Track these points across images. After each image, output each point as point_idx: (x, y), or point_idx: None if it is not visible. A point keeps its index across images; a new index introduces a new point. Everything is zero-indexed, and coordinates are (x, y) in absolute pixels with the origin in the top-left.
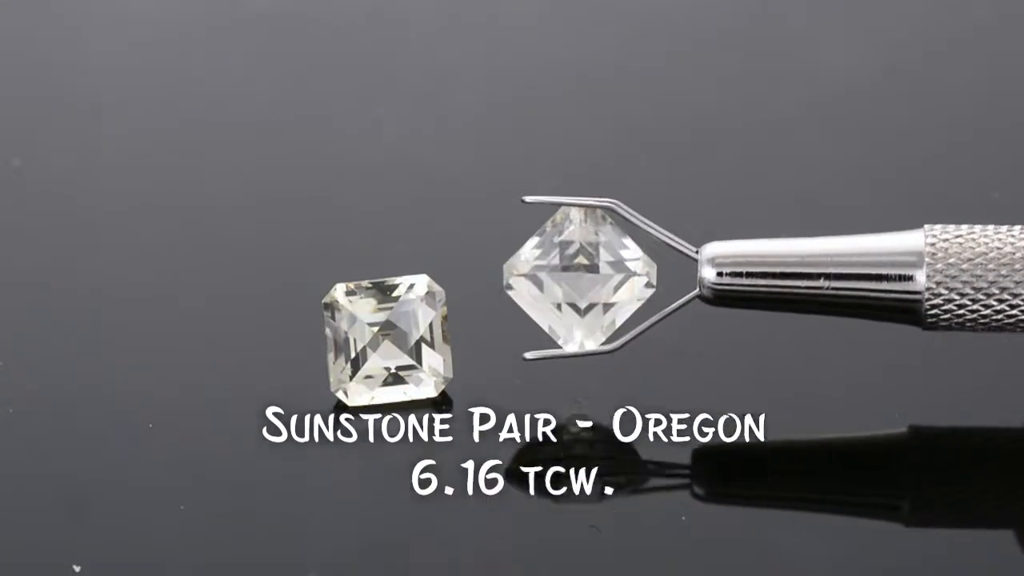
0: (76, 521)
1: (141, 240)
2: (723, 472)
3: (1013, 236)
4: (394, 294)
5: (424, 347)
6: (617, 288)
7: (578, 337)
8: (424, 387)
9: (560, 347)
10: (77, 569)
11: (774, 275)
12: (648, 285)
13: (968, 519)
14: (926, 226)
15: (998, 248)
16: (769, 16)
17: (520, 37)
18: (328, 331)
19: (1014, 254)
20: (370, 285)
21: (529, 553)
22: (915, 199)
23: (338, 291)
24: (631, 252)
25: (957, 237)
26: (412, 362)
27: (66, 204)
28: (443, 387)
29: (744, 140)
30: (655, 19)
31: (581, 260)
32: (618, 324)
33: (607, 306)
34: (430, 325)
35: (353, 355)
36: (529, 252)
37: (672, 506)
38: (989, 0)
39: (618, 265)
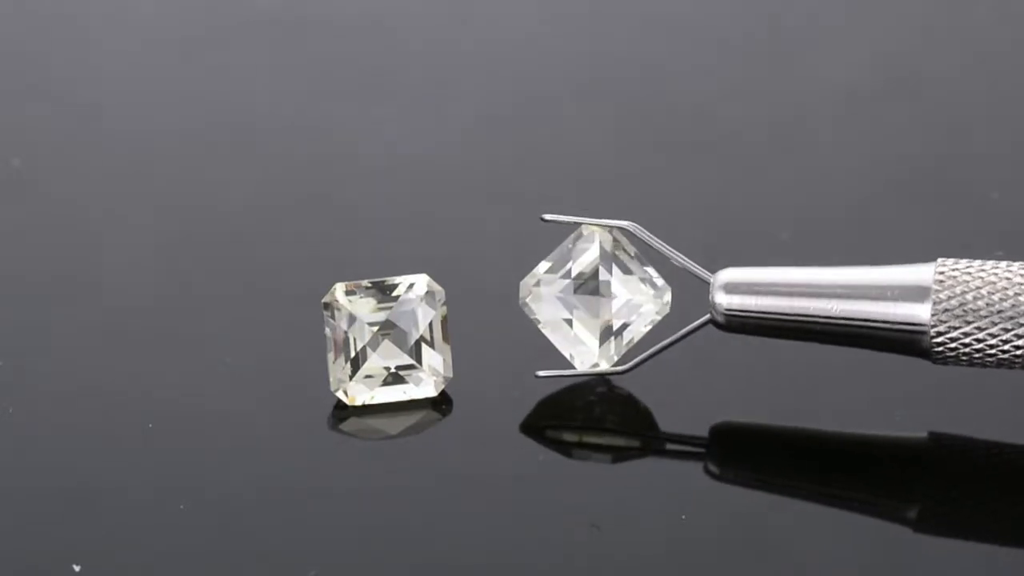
0: (76, 521)
1: (141, 240)
2: (739, 453)
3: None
4: (394, 294)
5: (424, 347)
6: (632, 310)
7: (592, 357)
8: (424, 387)
9: (572, 366)
10: (77, 569)
11: (785, 304)
12: (663, 308)
13: (977, 532)
14: (939, 259)
15: (1006, 284)
16: (789, 28)
17: (523, 38)
18: (328, 331)
19: (1020, 294)
20: (370, 285)
21: (528, 543)
22: (930, 221)
23: (338, 291)
24: (647, 274)
25: (967, 272)
26: (412, 362)
27: (66, 204)
28: (443, 387)
29: (771, 160)
30: (666, 23)
31: (597, 280)
32: (631, 345)
33: (622, 327)
34: (430, 325)
35: (353, 355)
36: (545, 270)
37: (682, 481)
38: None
39: (633, 287)
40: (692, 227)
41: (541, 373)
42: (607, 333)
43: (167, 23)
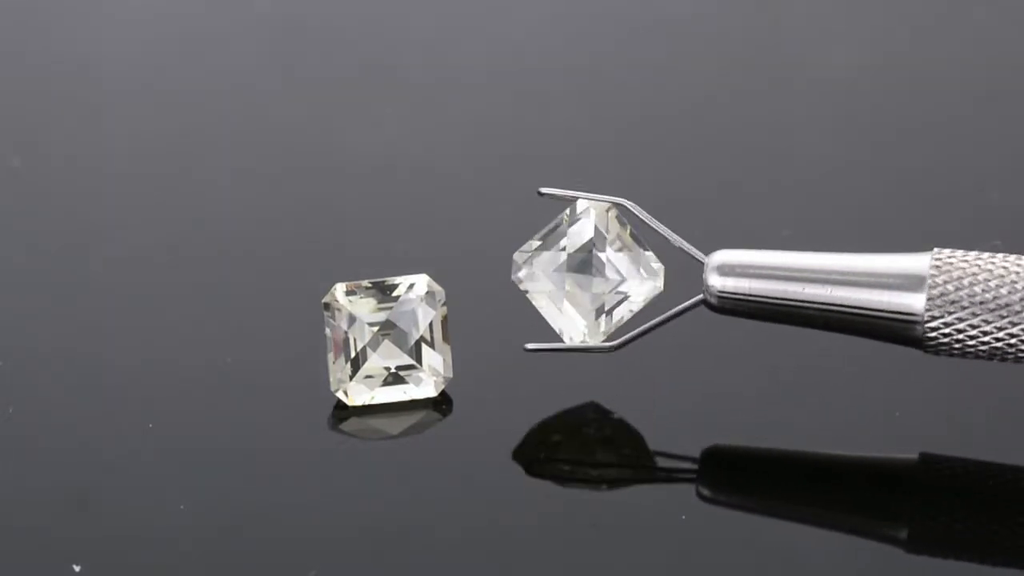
0: (76, 521)
1: (141, 240)
2: (730, 475)
3: (1020, 264)
4: (394, 294)
5: (424, 347)
6: (624, 287)
7: (581, 332)
8: (424, 387)
9: (562, 340)
10: (77, 569)
11: (778, 288)
12: (656, 286)
13: (969, 552)
14: (935, 249)
15: (1001, 276)
16: (793, 19)
17: (524, 36)
18: (328, 331)
19: (1016, 283)
20: (370, 285)
21: (528, 543)
22: (930, 210)
23: (338, 291)
24: (641, 252)
25: (963, 262)
26: (412, 362)
27: (66, 204)
28: (443, 387)
29: (770, 145)
30: (663, 18)
31: (591, 256)
32: (623, 322)
33: (613, 304)
34: (430, 325)
35: (353, 355)
36: (539, 244)
37: (673, 503)
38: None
39: (627, 264)
40: (690, 222)
41: (530, 346)
42: (598, 309)
43: (167, 23)
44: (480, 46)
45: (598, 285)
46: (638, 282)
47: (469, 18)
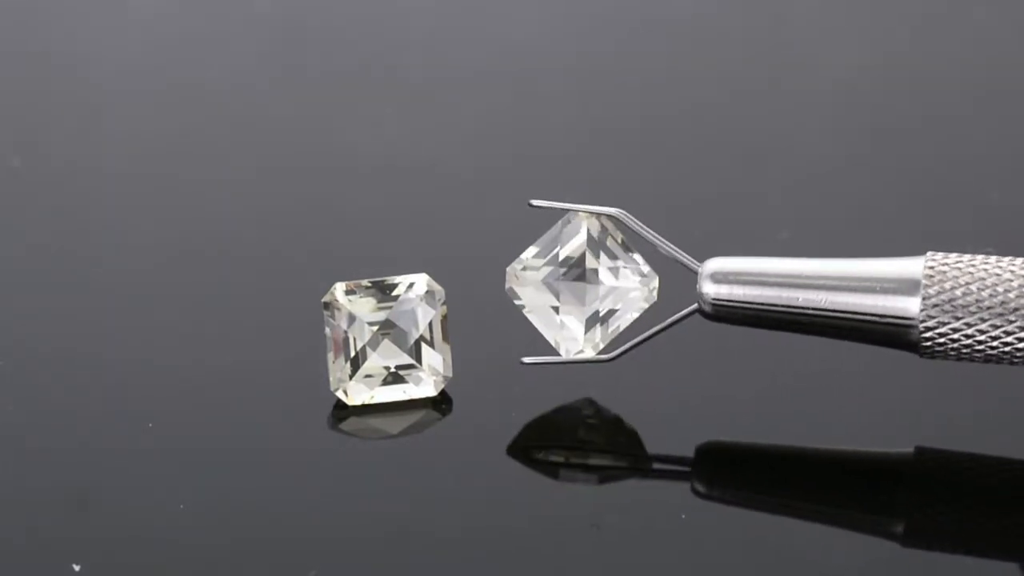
0: (76, 521)
1: (141, 240)
2: (725, 472)
3: (1014, 267)
4: (394, 293)
5: (424, 346)
6: (619, 298)
7: (577, 344)
8: (424, 386)
9: (558, 353)
10: (77, 568)
11: (772, 294)
12: (650, 296)
13: (965, 546)
14: (929, 253)
15: (996, 279)
16: (791, 21)
17: (523, 37)
18: (328, 331)
19: (1011, 282)
20: (370, 284)
21: (527, 542)
22: (926, 214)
23: (338, 290)
24: (634, 262)
25: (957, 265)
26: (412, 361)
27: (66, 204)
28: (443, 386)
29: (761, 151)
30: (663, 19)
31: (584, 267)
32: (618, 333)
33: (608, 315)
34: (430, 324)
35: (353, 354)
36: (532, 256)
37: (669, 500)
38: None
39: (621, 275)
40: (688, 224)
41: (527, 360)
42: (593, 320)
43: (167, 23)
44: (480, 46)
45: (592, 295)
46: (632, 292)
47: (469, 18)
